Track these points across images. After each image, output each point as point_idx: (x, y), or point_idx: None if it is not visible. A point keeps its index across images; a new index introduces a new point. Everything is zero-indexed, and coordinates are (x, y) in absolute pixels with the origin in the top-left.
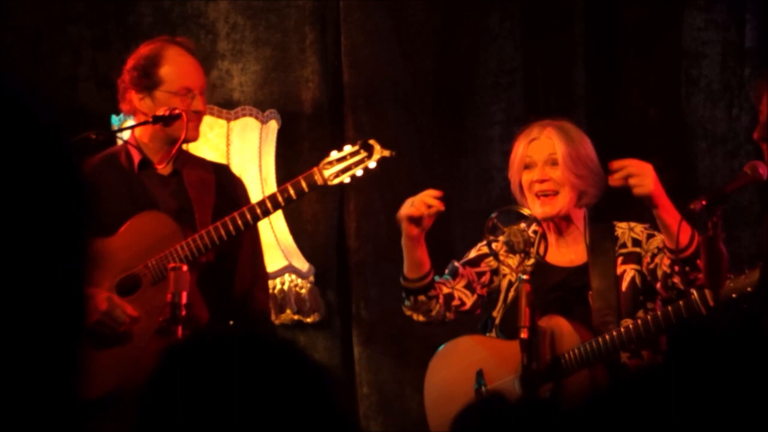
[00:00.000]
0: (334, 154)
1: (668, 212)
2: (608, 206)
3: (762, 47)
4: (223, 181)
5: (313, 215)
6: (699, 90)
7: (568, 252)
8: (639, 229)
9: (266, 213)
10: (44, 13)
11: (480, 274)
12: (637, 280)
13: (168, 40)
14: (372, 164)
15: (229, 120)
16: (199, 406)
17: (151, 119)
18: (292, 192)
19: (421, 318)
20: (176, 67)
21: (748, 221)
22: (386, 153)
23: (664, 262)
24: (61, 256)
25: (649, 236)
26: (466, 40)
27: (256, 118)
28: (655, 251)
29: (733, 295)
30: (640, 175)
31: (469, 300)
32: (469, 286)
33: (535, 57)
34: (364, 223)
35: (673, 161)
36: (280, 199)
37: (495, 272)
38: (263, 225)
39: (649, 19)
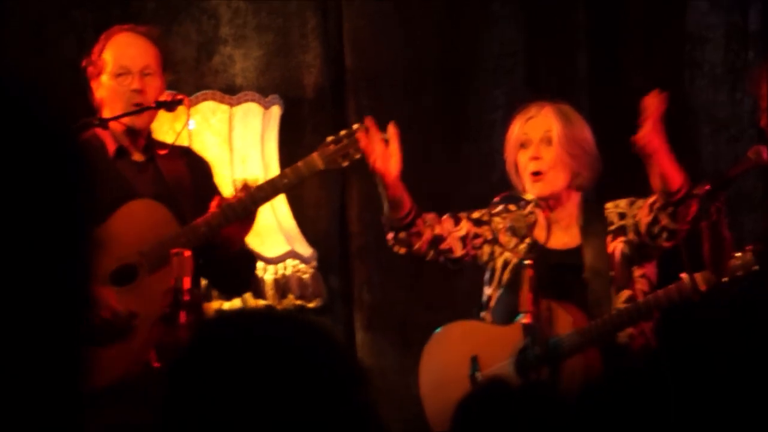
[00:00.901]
0: (331, 139)
1: (665, 161)
2: (605, 189)
3: (766, 31)
4: (192, 164)
5: (315, 200)
6: (702, 74)
7: (562, 235)
8: (623, 203)
9: (265, 198)
10: None
11: (475, 236)
12: (626, 250)
13: (119, 28)
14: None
15: (231, 105)
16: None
17: (154, 105)
18: (292, 177)
19: (402, 251)
20: (116, 48)
21: (751, 206)
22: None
23: (644, 212)
24: (65, 245)
25: (632, 202)
26: (468, 23)
27: (259, 103)
28: (637, 210)
29: (739, 273)
30: (653, 132)
31: (459, 252)
32: (463, 240)
33: (537, 40)
34: (367, 208)
35: (676, 146)
36: (279, 185)
37: (488, 241)
38: (265, 210)
39: (652, 3)
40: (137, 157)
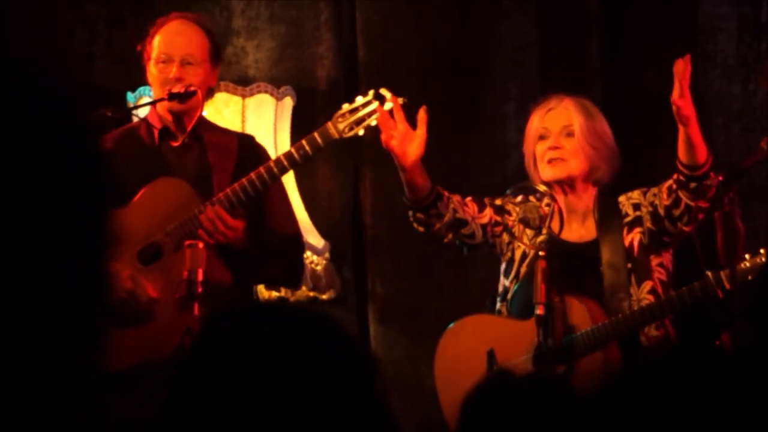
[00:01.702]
0: (346, 106)
1: (695, 131)
2: (618, 182)
3: None
4: (246, 149)
5: (328, 191)
6: (715, 65)
7: (578, 228)
8: (636, 194)
9: (283, 170)
10: None
11: (496, 223)
12: (644, 240)
13: (176, 15)
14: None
15: (244, 97)
16: (237, 381)
17: (167, 97)
18: (308, 148)
19: (420, 229)
20: (164, 35)
21: (765, 198)
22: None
23: (662, 197)
24: (82, 232)
25: (646, 192)
26: (481, 15)
27: (271, 95)
28: (652, 197)
29: (749, 277)
30: (687, 97)
31: (479, 238)
32: (484, 228)
33: (550, 32)
34: (379, 199)
35: None
36: (296, 156)
37: (507, 229)
38: None
39: None
40: (182, 138)
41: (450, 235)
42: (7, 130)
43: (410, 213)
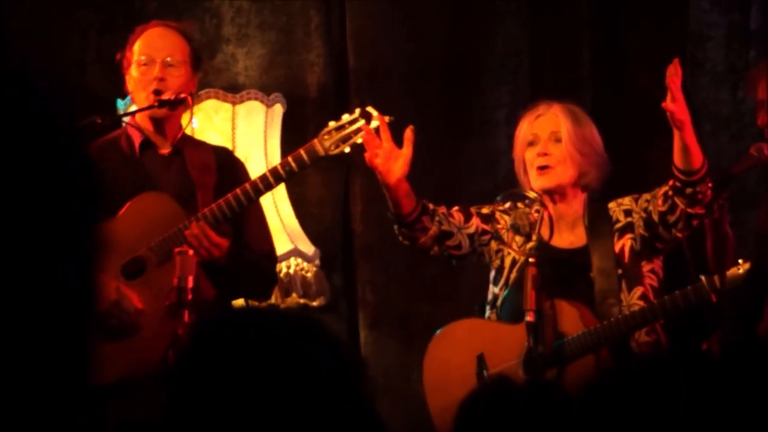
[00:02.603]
0: (332, 124)
1: (690, 136)
2: (607, 188)
3: (767, 30)
4: (224, 163)
5: (318, 199)
6: (704, 72)
7: (568, 235)
8: (627, 200)
9: (268, 187)
10: None
11: (483, 232)
12: (635, 246)
13: (156, 22)
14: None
15: (234, 104)
16: (227, 386)
17: (156, 103)
18: (293, 165)
19: (406, 242)
20: (145, 40)
21: (754, 204)
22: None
23: (656, 203)
24: (70, 242)
25: (637, 198)
26: (472, 21)
27: (262, 101)
28: (644, 204)
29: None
30: (680, 101)
31: (465, 248)
32: (471, 237)
33: (541, 39)
34: (370, 206)
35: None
36: (282, 172)
37: (496, 237)
38: (269, 209)
39: (654, 1)
40: (164, 149)
41: (436, 248)
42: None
43: (395, 227)
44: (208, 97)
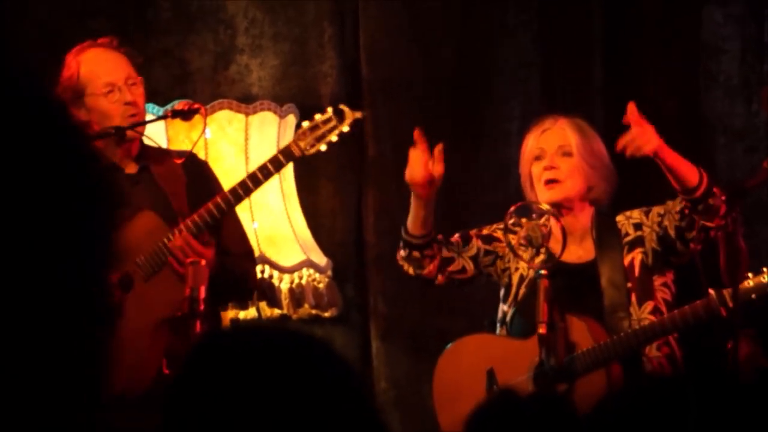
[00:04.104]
0: (306, 124)
1: (675, 158)
2: (616, 201)
3: None
4: (190, 167)
5: (331, 210)
6: (718, 85)
7: (576, 249)
8: (636, 213)
9: (248, 191)
10: (65, 7)
11: (486, 252)
12: (647, 260)
13: (84, 45)
14: (345, 128)
15: (247, 114)
16: (226, 401)
17: (170, 114)
18: (271, 168)
19: (410, 271)
20: (92, 66)
21: (767, 217)
22: (357, 115)
23: (673, 218)
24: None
25: (647, 212)
26: (484, 34)
27: (275, 112)
28: (657, 218)
29: (753, 296)
30: (643, 135)
31: (470, 272)
32: (475, 259)
33: (552, 51)
34: (382, 217)
35: (692, 156)
36: (260, 176)
37: (499, 257)
38: (281, 219)
39: (667, 14)
40: (130, 169)
41: (440, 277)
42: (9, 140)
43: (404, 253)
44: (222, 108)
